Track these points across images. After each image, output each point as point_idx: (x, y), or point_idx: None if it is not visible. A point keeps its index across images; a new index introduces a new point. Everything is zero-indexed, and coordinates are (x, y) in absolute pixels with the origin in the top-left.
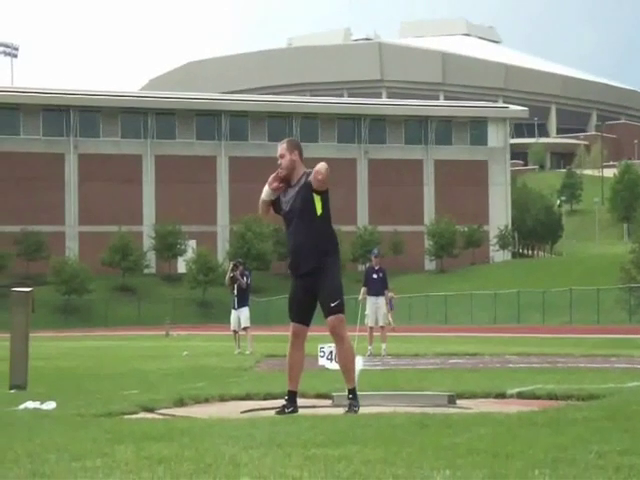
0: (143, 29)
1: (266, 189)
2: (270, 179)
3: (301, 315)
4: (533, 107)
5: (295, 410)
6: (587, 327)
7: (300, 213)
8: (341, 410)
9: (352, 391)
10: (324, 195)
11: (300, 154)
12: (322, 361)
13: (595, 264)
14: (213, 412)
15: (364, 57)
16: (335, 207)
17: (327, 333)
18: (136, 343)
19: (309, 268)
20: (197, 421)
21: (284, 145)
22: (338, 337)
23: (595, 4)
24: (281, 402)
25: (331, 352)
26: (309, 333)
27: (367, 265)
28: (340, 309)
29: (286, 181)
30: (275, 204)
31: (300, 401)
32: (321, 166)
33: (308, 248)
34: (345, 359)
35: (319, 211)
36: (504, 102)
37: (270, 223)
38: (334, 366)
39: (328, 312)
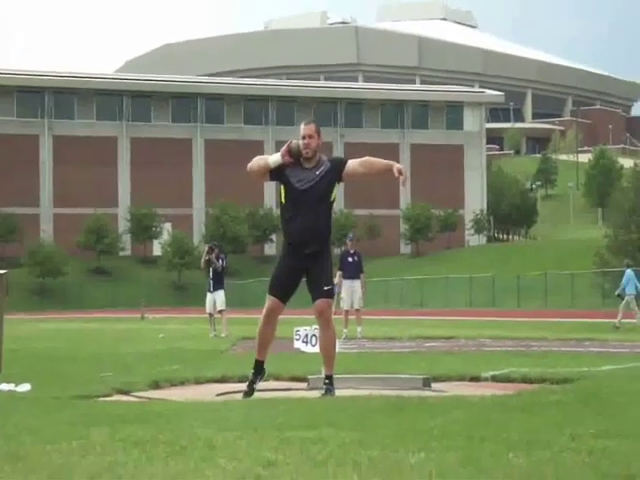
0: (120, 10)
1: (276, 157)
2: (284, 151)
3: (283, 292)
4: (509, 92)
5: (263, 375)
6: (562, 311)
7: (320, 196)
8: (317, 393)
9: (330, 377)
10: (339, 182)
11: (320, 141)
12: (297, 344)
13: (570, 249)
14: (188, 395)
15: (341, 41)
16: None
17: (302, 316)
18: (112, 325)
19: (314, 249)
20: (172, 404)
21: (312, 127)
22: (325, 321)
23: None
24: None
25: (307, 335)
26: (283, 316)
27: (342, 249)
28: (331, 294)
29: (297, 159)
30: (273, 173)
31: (275, 384)
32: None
33: (318, 230)
34: (328, 344)
35: (333, 197)
36: (480, 87)
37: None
38: (310, 349)
39: (319, 295)
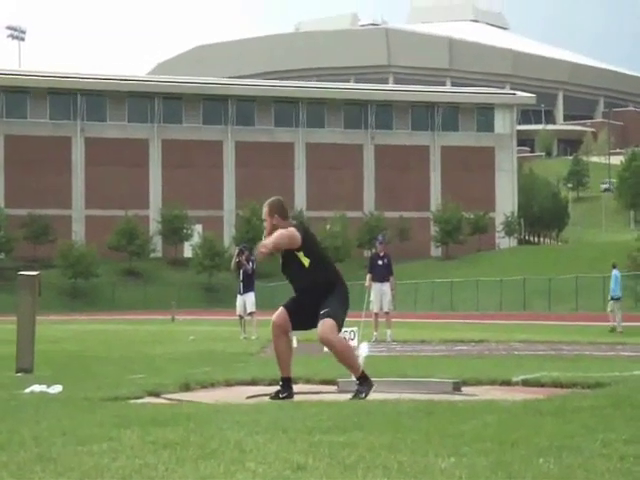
0: (152, 13)
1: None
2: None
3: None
4: (540, 93)
5: (290, 396)
6: (593, 315)
7: (290, 271)
8: (347, 396)
9: (361, 379)
10: (304, 251)
11: (281, 215)
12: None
13: (601, 251)
14: (219, 397)
15: (371, 42)
16: (341, 193)
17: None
18: (142, 327)
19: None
20: (203, 406)
21: (265, 209)
22: (324, 342)
23: None
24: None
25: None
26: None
27: (372, 251)
28: (330, 315)
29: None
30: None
31: (305, 387)
32: (262, 244)
33: (310, 289)
34: (337, 358)
35: (306, 264)
36: (511, 88)
37: None
38: None
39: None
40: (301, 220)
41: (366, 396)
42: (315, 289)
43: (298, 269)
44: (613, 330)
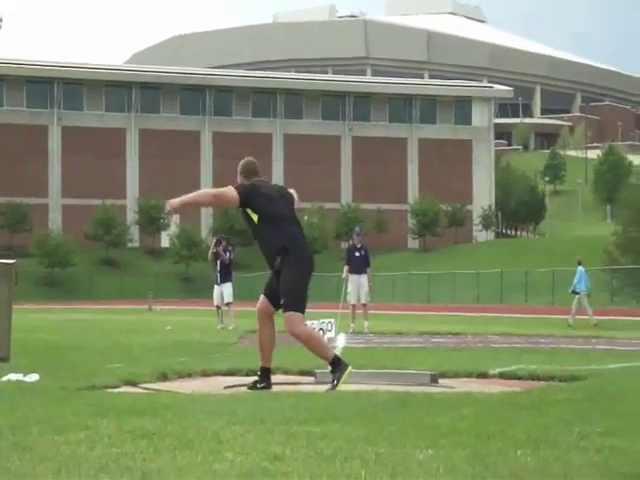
0: (130, 2)
1: None
2: None
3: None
4: (518, 87)
5: (268, 386)
6: (569, 308)
7: (251, 231)
8: (324, 387)
9: (332, 364)
10: (250, 207)
11: (243, 174)
12: None
13: (578, 245)
14: (196, 387)
15: (349, 34)
16: (319, 184)
17: (314, 310)
18: (119, 317)
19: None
20: (180, 396)
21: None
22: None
23: None
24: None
25: (315, 329)
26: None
27: (349, 243)
28: (288, 308)
29: None
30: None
31: (283, 378)
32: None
33: (268, 257)
34: (312, 350)
35: (255, 219)
36: (489, 82)
37: None
38: None
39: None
40: (262, 179)
41: (339, 381)
42: (271, 258)
43: (251, 227)
44: (596, 323)
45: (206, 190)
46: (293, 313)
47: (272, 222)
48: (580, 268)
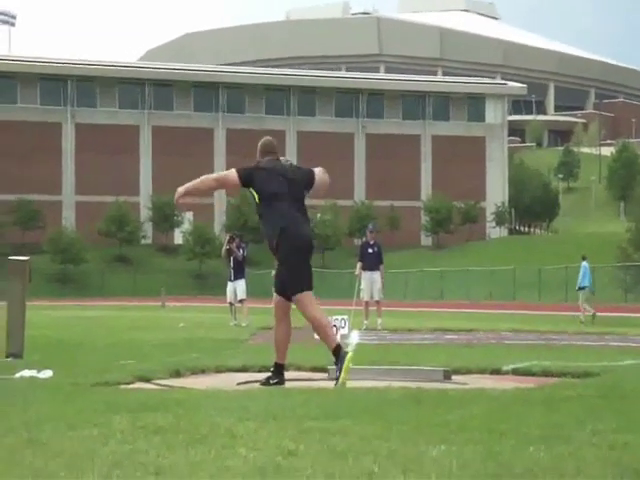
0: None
1: None
2: None
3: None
4: (531, 84)
5: (281, 382)
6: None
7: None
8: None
9: (334, 352)
10: (252, 187)
11: (259, 154)
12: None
13: (591, 242)
14: (209, 383)
15: (362, 31)
16: (332, 181)
17: (327, 307)
18: (132, 313)
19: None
20: (193, 392)
21: None
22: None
23: None
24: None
25: (334, 326)
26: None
27: (363, 240)
28: (294, 292)
29: None
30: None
31: (296, 374)
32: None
33: (270, 244)
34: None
35: (257, 199)
36: (502, 79)
37: None
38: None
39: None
40: (278, 158)
41: (341, 372)
42: (270, 238)
43: (255, 208)
44: (594, 317)
45: (208, 175)
46: (300, 294)
47: (268, 201)
48: (584, 264)
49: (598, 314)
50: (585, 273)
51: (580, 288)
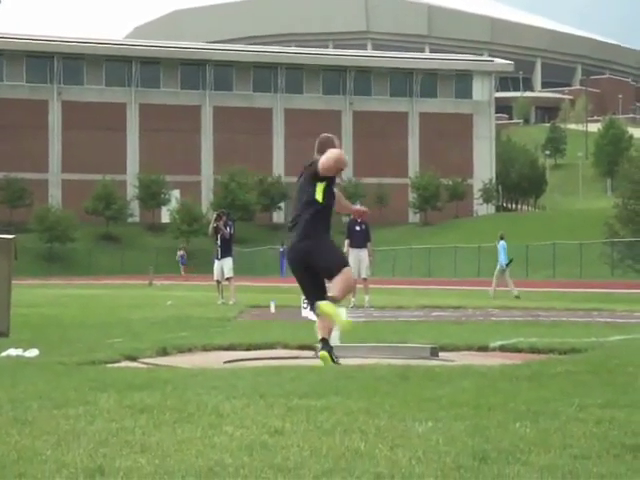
0: None
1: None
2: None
3: None
4: (518, 61)
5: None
6: (570, 281)
7: None
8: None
9: (321, 340)
10: (327, 186)
11: (319, 150)
12: (305, 312)
13: (578, 218)
14: (196, 362)
15: (350, 8)
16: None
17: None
18: (120, 292)
19: None
20: (180, 371)
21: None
22: None
23: None
24: (261, 353)
25: None
26: (289, 285)
27: (350, 218)
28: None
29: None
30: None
31: (283, 352)
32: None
33: None
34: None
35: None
36: (489, 55)
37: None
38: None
39: None
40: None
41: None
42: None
43: (313, 202)
44: (518, 297)
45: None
46: (345, 269)
47: (328, 207)
48: (502, 242)
49: (519, 290)
50: (504, 251)
51: (507, 265)
